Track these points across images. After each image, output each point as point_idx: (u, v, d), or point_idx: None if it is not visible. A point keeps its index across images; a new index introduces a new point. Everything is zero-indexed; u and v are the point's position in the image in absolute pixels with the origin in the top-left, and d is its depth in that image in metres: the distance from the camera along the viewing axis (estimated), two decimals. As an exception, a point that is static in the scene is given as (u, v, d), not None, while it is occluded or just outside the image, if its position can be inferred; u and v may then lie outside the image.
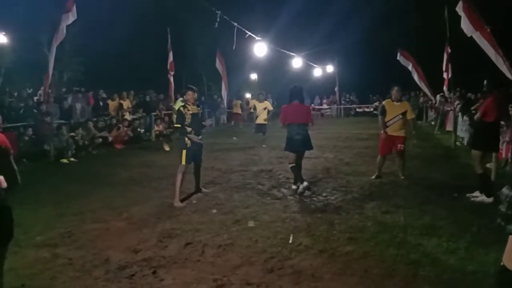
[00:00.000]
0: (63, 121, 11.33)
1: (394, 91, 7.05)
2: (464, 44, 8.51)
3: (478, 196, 5.62)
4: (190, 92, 6.00)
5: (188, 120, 5.85)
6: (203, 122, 6.37)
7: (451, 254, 3.76)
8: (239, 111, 20.02)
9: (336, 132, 14.72)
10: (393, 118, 6.98)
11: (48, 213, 5.38)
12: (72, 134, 10.79)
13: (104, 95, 14.58)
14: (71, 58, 15.70)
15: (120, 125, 12.78)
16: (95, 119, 12.58)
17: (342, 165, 8.57)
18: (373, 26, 25.17)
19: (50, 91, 11.16)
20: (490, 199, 5.43)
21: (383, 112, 7.08)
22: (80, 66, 16.38)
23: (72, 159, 9.99)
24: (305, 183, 6.21)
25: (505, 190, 1.81)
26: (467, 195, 5.73)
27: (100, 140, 11.69)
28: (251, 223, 4.77)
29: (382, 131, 7.11)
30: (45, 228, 4.73)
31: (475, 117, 5.97)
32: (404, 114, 6.97)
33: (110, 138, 12.15)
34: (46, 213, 5.38)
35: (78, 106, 12.77)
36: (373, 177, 7.12)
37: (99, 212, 5.38)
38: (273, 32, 18.20)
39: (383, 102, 7.33)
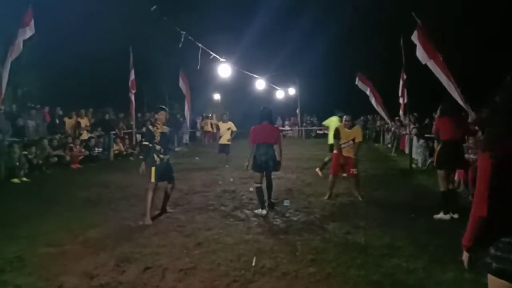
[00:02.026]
0: (15, 139, 10.76)
1: (346, 121, 7.39)
2: (420, 71, 8.96)
3: (439, 213, 5.85)
4: (162, 112, 6.15)
5: (157, 138, 5.94)
6: (176, 149, 6.55)
7: (410, 274, 3.85)
8: (210, 129, 20.10)
9: (298, 153, 14.90)
10: (345, 142, 7.34)
11: (-4, 236, 5.04)
12: (25, 152, 10.27)
13: (60, 112, 14.06)
14: (27, 73, 15.11)
15: (73, 145, 12.25)
16: (49, 137, 12.05)
17: (304, 186, 8.67)
18: (333, 51, 26.07)
19: (2, 107, 10.64)
20: (447, 217, 5.69)
21: (337, 135, 7.40)
22: (36, 81, 15.78)
23: (24, 178, 9.49)
24: (264, 211, 6.21)
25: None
26: (434, 216, 5.87)
27: (56, 159, 11.20)
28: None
29: (337, 148, 7.43)
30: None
31: (434, 137, 6.29)
32: (354, 139, 7.32)
33: (68, 157, 11.67)
34: (-7, 236, 5.03)
35: (32, 123, 12.19)
36: (325, 197, 7.27)
37: (52, 235, 5.09)
38: (237, 54, 18.42)
39: (337, 126, 7.64)
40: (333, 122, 9.90)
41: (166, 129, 6.11)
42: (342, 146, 7.34)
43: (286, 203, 6.93)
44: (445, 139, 5.91)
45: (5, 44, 10.47)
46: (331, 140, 9.84)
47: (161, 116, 6.10)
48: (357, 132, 7.40)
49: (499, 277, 1.82)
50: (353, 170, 7.30)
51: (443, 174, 5.93)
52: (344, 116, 7.55)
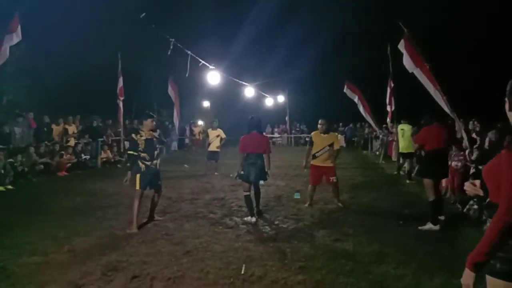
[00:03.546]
0: (1, 146, 10.58)
1: (320, 125, 7.30)
2: (406, 79, 9.07)
3: (426, 224, 5.74)
4: (150, 119, 6.05)
5: (141, 146, 5.85)
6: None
7: (398, 280, 3.87)
8: (199, 137, 20.25)
9: (287, 160, 14.91)
10: (321, 149, 7.20)
11: (-22, 246, 4.93)
12: (11, 160, 10.10)
13: (48, 120, 13.88)
14: (13, 80, 14.89)
15: (63, 152, 12.15)
16: (36, 144, 11.88)
17: (293, 193, 8.65)
18: (322, 59, 26.36)
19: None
20: (437, 227, 5.67)
21: (311, 143, 7.32)
22: (22, 88, 15.55)
23: (9, 186, 9.33)
24: (253, 219, 6.19)
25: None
26: (419, 227, 5.76)
27: (42, 166, 11.04)
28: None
29: (304, 162, 7.42)
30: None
31: (414, 148, 6.33)
32: (331, 145, 7.20)
33: (54, 164, 11.51)
34: (-25, 246, 4.92)
35: (18, 130, 12.02)
36: (306, 205, 7.25)
37: (38, 244, 4.99)
38: (227, 62, 18.46)
39: (312, 134, 7.53)
40: (404, 129, 10.16)
41: (153, 134, 6.02)
42: (317, 154, 7.20)
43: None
44: (430, 148, 5.95)
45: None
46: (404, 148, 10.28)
47: (147, 123, 6.01)
48: (333, 138, 7.31)
49: (503, 279, 1.79)
50: (332, 179, 7.19)
51: (430, 184, 5.89)
52: (319, 120, 7.35)
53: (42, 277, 3.97)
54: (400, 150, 11.20)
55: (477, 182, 2.15)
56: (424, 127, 6.20)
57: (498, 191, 1.80)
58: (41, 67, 15.92)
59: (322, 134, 7.26)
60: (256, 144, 6.38)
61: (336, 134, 7.62)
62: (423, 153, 6.47)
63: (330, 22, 25.45)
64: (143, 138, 5.89)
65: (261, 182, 6.73)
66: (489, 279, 1.87)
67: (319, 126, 7.33)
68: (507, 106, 1.83)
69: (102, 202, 7.70)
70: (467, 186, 2.23)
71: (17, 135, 11.86)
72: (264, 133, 7.42)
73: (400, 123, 11.53)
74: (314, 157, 7.26)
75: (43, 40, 15.32)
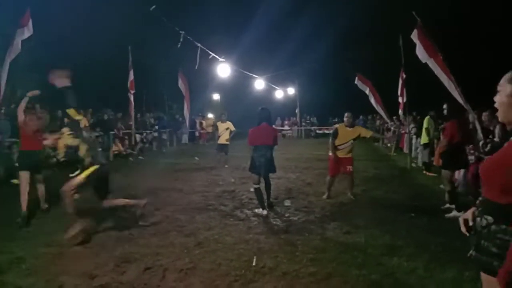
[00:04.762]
0: (14, 139, 10.73)
1: (346, 118, 7.26)
2: (419, 69, 8.95)
3: (451, 212, 5.93)
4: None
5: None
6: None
7: (411, 273, 3.85)
8: (209, 130, 20.36)
9: (297, 153, 14.91)
10: (345, 143, 7.17)
11: (-5, 237, 5.03)
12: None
13: (60, 114, 14.02)
14: (25, 74, 15.07)
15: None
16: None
17: (303, 185, 8.66)
18: (333, 50, 26.16)
19: (2, 108, 10.61)
20: (461, 213, 5.67)
21: (335, 135, 7.24)
22: (34, 82, 15.71)
23: (23, 179, 9.45)
24: (264, 211, 6.20)
25: (484, 222, 1.83)
26: (446, 215, 5.94)
27: (55, 159, 11.17)
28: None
29: (330, 153, 7.30)
30: (-9, 254, 4.41)
31: (441, 143, 6.35)
32: (355, 139, 7.20)
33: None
34: (-8, 237, 5.02)
35: (32, 123, 12.18)
36: (324, 196, 7.26)
37: (53, 235, 5.08)
38: (237, 54, 18.46)
39: (337, 126, 7.50)
40: (426, 122, 10.12)
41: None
42: (340, 147, 7.18)
43: (287, 203, 6.93)
44: (454, 141, 5.99)
45: (3, 45, 10.45)
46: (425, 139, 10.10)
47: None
48: (359, 130, 7.30)
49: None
50: (349, 168, 7.20)
51: (448, 174, 6.08)
52: (345, 113, 7.30)
53: (57, 267, 4.05)
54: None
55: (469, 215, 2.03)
56: (450, 122, 6.20)
57: (501, 186, 1.77)
58: (53, 60, 16.06)
59: (347, 128, 7.21)
60: (266, 136, 6.36)
61: (360, 125, 7.59)
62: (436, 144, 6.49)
63: (341, 13, 25.20)
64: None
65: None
66: (484, 276, 1.87)
67: (345, 119, 7.28)
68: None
69: (114, 194, 7.76)
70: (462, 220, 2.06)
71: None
72: (274, 126, 7.40)
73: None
74: (336, 149, 7.22)
75: (54, 34, 15.46)
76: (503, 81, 1.87)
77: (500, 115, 1.91)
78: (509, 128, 1.93)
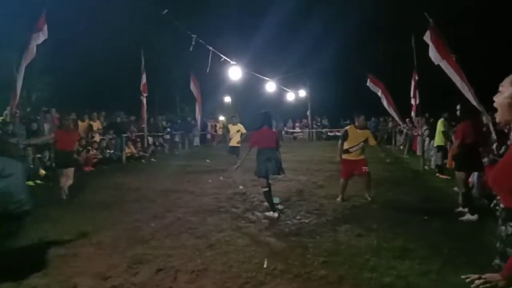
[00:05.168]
0: (29, 142, 10.93)
1: (361, 120, 7.16)
2: (432, 71, 8.86)
3: (465, 215, 5.84)
4: None
5: None
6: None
7: (423, 276, 3.81)
8: (219, 132, 20.51)
9: (308, 155, 14.87)
10: (356, 145, 7.09)
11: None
12: (39, 155, 10.43)
13: (74, 117, 14.23)
14: (39, 77, 15.36)
15: (89, 147, 12.47)
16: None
17: (315, 188, 8.63)
18: (344, 52, 26.02)
19: (17, 111, 10.82)
20: (475, 217, 5.67)
21: (345, 137, 7.16)
22: (47, 85, 16.01)
23: (38, 181, 9.62)
24: (275, 214, 6.18)
25: (510, 229, 1.79)
26: (459, 218, 5.86)
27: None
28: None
29: (338, 158, 7.25)
30: (6, 255, 4.48)
31: (454, 144, 6.27)
32: (365, 141, 7.13)
33: (81, 160, 11.81)
34: (8, 238, 5.11)
35: (47, 126, 12.41)
36: (338, 199, 7.21)
37: (66, 237, 5.15)
38: (248, 57, 18.47)
39: (347, 128, 7.36)
40: (441, 124, 9.89)
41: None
42: (352, 150, 7.10)
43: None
44: (467, 142, 5.92)
45: (19, 50, 10.67)
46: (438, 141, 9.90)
47: None
48: (367, 134, 7.19)
49: None
50: (365, 168, 7.13)
51: (463, 176, 5.98)
52: (361, 116, 7.14)
53: (71, 268, 4.10)
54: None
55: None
56: (463, 123, 6.12)
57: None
58: (66, 64, 16.34)
59: (358, 130, 7.15)
60: (269, 139, 6.39)
61: (369, 130, 7.49)
62: (449, 146, 6.41)
63: (352, 14, 25.06)
64: None
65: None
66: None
67: (359, 120, 7.16)
68: None
69: (127, 196, 7.86)
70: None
71: (46, 131, 12.23)
72: (285, 128, 7.40)
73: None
74: (347, 152, 7.15)
75: (67, 38, 15.71)
76: (506, 82, 1.85)
77: (498, 116, 1.89)
78: (506, 128, 1.91)
